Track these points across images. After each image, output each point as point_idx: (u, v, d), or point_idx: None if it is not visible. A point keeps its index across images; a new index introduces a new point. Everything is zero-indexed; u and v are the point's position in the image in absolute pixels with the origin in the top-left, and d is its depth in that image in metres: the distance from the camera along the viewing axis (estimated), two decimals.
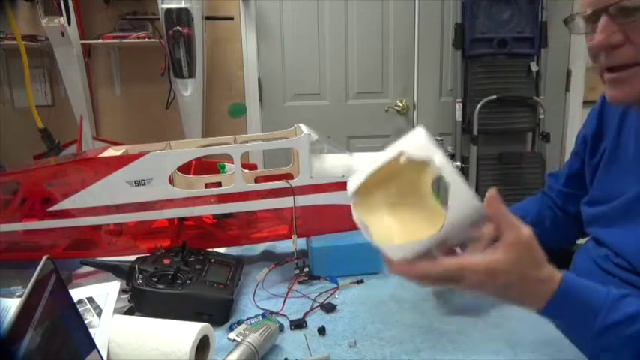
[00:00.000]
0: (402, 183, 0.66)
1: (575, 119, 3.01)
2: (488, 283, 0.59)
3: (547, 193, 1.12)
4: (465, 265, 0.59)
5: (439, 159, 0.57)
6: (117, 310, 0.82)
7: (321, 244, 1.06)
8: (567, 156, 1.09)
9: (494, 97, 2.70)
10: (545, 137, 2.79)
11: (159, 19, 2.46)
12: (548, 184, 1.12)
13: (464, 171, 2.75)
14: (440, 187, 0.69)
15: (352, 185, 0.64)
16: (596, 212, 0.88)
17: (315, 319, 0.89)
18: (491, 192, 0.58)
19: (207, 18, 2.67)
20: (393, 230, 0.65)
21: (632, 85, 0.71)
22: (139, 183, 1.02)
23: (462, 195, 0.56)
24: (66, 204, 1.04)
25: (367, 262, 1.05)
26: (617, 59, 0.70)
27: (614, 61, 0.71)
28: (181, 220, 1.10)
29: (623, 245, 0.80)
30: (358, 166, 0.65)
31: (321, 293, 0.98)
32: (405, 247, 0.60)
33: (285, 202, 1.06)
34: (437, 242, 0.59)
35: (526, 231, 0.58)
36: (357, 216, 0.64)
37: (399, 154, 0.60)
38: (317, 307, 0.93)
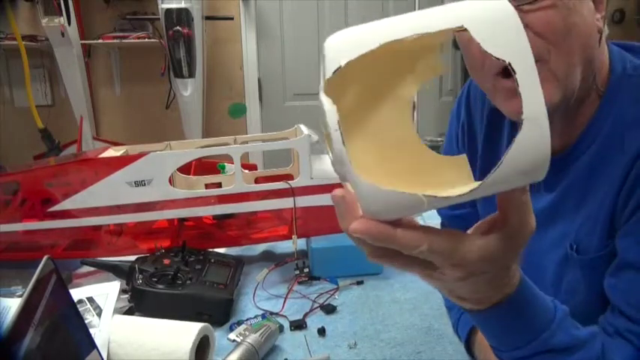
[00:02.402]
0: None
1: None
2: (469, 276, 0.41)
3: None
4: (462, 247, 0.39)
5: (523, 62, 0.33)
6: (117, 310, 0.82)
7: (322, 244, 1.06)
8: None
9: None
10: None
11: (159, 19, 2.46)
12: None
13: None
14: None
15: (347, 48, 0.35)
16: None
17: (315, 320, 0.89)
18: None
19: (207, 18, 2.67)
20: (378, 158, 0.38)
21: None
22: (139, 183, 1.02)
23: (538, 133, 0.32)
24: (66, 204, 1.04)
25: (367, 263, 1.04)
26: None
27: None
28: (181, 220, 1.10)
29: None
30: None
31: (321, 294, 0.98)
32: (403, 199, 0.34)
33: (286, 203, 1.06)
34: (458, 201, 0.35)
35: (533, 223, 0.41)
36: (330, 105, 0.35)
37: (458, 28, 0.33)
38: (317, 307, 0.93)
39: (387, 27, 0.36)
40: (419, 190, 0.35)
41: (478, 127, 0.79)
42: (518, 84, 0.33)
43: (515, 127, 0.74)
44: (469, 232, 0.42)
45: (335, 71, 0.35)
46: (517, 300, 0.47)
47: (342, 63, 0.34)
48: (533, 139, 0.33)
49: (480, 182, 0.34)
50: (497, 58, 0.34)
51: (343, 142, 0.35)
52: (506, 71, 0.56)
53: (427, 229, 0.38)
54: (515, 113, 0.58)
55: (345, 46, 0.35)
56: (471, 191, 0.34)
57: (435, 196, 0.34)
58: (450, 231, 0.40)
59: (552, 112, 0.60)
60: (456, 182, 0.36)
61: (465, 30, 0.34)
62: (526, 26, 0.56)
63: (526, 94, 0.33)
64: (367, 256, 0.41)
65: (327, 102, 0.35)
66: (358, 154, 0.39)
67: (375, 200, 0.36)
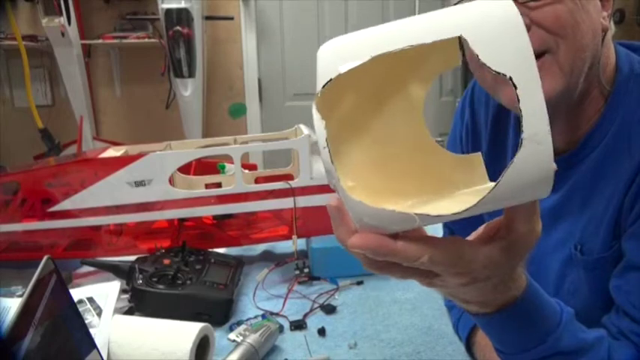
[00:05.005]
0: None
1: None
2: (473, 282, 0.41)
3: None
4: (467, 254, 0.38)
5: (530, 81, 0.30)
6: (117, 310, 0.82)
7: (322, 244, 1.06)
8: None
9: None
10: None
11: (159, 19, 2.46)
12: None
13: None
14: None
15: (338, 60, 0.33)
16: None
17: (315, 320, 0.89)
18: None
19: (207, 18, 2.67)
20: (378, 169, 0.38)
21: (543, 78, 0.61)
22: (139, 183, 1.02)
23: (540, 151, 0.30)
24: (66, 204, 1.04)
25: None
26: None
27: None
28: (181, 220, 1.10)
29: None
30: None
31: (321, 294, 0.98)
32: (393, 216, 0.33)
33: (286, 203, 1.06)
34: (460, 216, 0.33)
35: (539, 229, 0.40)
36: (319, 121, 0.34)
37: (457, 38, 0.32)
38: (317, 308, 0.93)
39: (381, 36, 0.34)
40: (414, 206, 0.34)
41: (483, 128, 0.79)
42: (519, 99, 0.30)
43: (519, 125, 0.74)
44: (472, 237, 0.42)
45: (325, 85, 0.34)
46: (523, 303, 0.46)
47: (333, 76, 0.33)
48: (535, 158, 0.31)
49: (477, 200, 0.32)
50: (498, 73, 0.31)
51: (332, 160, 0.34)
52: None
53: (428, 240, 0.37)
54: (513, 102, 0.59)
55: (336, 57, 0.34)
56: (466, 209, 0.32)
57: (428, 215, 0.33)
58: (452, 239, 0.39)
59: (553, 104, 0.61)
60: (457, 195, 0.35)
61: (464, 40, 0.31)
62: (533, 22, 0.56)
63: (527, 110, 0.30)
64: (364, 266, 0.40)
65: (317, 118, 0.34)
66: (354, 165, 0.38)
67: (365, 217, 0.35)
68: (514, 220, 0.39)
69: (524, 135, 0.30)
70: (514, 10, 0.32)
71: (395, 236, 0.36)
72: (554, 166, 0.31)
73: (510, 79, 0.30)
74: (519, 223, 0.38)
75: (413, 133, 0.40)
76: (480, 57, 0.31)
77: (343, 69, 0.33)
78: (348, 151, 0.39)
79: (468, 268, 0.39)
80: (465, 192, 0.33)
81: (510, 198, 0.33)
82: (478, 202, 0.32)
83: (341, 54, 0.34)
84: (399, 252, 0.36)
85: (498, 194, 0.32)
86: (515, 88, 0.30)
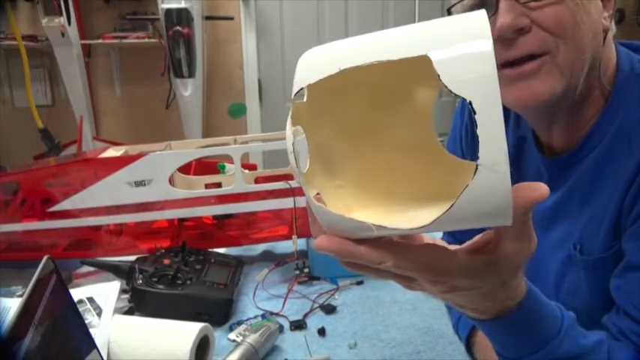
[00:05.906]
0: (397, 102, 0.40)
1: None
2: (454, 290, 0.41)
3: None
4: (451, 265, 0.38)
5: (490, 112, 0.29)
6: (117, 310, 0.82)
7: None
8: None
9: None
10: None
11: (159, 19, 2.46)
12: None
13: None
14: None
15: (309, 72, 0.35)
16: None
17: (315, 320, 0.89)
18: (531, 190, 0.34)
19: (207, 18, 2.67)
20: (373, 171, 0.40)
21: (543, 79, 0.58)
22: (139, 183, 1.02)
23: (496, 179, 0.30)
24: (66, 204, 1.04)
25: None
26: (524, 48, 0.57)
27: (521, 51, 0.57)
28: (181, 220, 1.10)
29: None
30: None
31: (321, 294, 0.98)
32: (352, 224, 0.34)
33: (286, 203, 1.06)
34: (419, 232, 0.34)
35: (532, 248, 0.39)
36: (289, 129, 0.37)
37: (422, 57, 0.31)
38: (317, 308, 0.93)
39: (354, 49, 0.35)
40: (401, 211, 0.35)
41: None
42: (477, 125, 0.29)
43: (518, 124, 0.74)
44: (466, 244, 0.41)
45: (296, 94, 0.35)
46: (520, 313, 0.46)
47: (304, 85, 0.35)
48: (491, 186, 0.30)
49: (433, 219, 0.32)
50: (457, 95, 0.30)
51: (297, 165, 0.36)
52: (510, 62, 0.57)
53: (396, 245, 0.37)
54: (517, 101, 0.60)
55: (310, 68, 0.36)
56: (421, 227, 0.32)
57: (385, 227, 0.33)
58: (427, 247, 0.38)
59: (554, 105, 0.61)
60: (425, 209, 0.35)
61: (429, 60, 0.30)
62: (534, 23, 0.57)
63: (485, 137, 0.29)
64: (343, 266, 0.40)
65: (288, 124, 0.36)
66: (350, 166, 0.39)
67: (327, 221, 0.35)
68: (501, 238, 0.38)
69: (480, 162, 0.30)
70: (485, 30, 0.30)
71: (361, 240, 0.36)
72: (509, 195, 0.30)
73: (470, 103, 0.29)
74: (507, 241, 0.38)
75: (420, 137, 0.41)
76: (440, 77, 0.30)
77: (312, 80, 0.34)
78: (344, 152, 0.40)
79: (444, 276, 0.38)
80: (420, 218, 0.33)
81: (467, 221, 0.32)
82: (433, 222, 0.32)
83: (315, 65, 0.36)
84: (362, 256, 0.36)
85: (454, 216, 0.31)
86: (474, 113, 0.29)
